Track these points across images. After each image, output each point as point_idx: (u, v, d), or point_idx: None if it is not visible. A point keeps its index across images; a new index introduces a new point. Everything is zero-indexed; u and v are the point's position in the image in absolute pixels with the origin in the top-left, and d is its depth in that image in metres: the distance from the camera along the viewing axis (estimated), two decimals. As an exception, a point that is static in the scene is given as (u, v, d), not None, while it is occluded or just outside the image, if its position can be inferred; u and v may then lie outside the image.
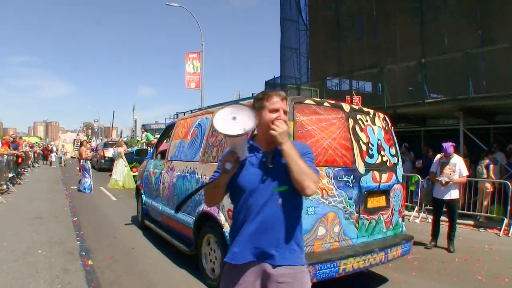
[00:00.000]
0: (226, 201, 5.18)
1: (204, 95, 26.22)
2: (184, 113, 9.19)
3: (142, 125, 54.92)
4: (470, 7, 14.23)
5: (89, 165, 16.12)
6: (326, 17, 20.79)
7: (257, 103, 2.61)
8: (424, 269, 6.95)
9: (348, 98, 14.09)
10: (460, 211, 10.83)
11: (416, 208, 12.32)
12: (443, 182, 8.30)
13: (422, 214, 11.78)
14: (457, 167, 8.31)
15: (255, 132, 2.63)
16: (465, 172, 8.44)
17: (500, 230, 10.30)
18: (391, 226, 5.76)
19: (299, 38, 23.73)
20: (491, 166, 11.28)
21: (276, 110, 2.56)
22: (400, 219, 6.00)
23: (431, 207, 9.11)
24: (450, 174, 8.30)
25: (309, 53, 22.59)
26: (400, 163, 6.24)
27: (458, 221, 9.56)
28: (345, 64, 18.17)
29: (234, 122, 2.31)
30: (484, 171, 11.34)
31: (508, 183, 10.60)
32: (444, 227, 8.71)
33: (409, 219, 11.69)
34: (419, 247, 8.37)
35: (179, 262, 6.63)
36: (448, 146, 8.41)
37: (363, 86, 17.82)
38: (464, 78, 12.52)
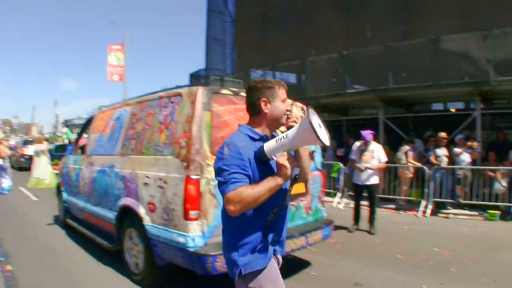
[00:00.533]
0: (145, 193, 5.18)
1: (128, 88, 25.62)
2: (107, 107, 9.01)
3: (64, 121, 52.58)
4: (393, 2, 14.74)
5: (8, 164, 15.25)
6: (252, 8, 20.80)
7: (268, 92, 2.55)
8: (346, 251, 7.22)
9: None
10: (381, 195, 11.39)
11: (339, 194, 12.70)
12: (362, 168, 8.59)
13: (345, 200, 12.18)
14: (376, 153, 8.63)
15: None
16: (384, 159, 8.80)
17: (418, 211, 10.99)
18: (311, 212, 5.90)
19: (225, 29, 23.61)
20: (410, 153, 11.83)
21: (285, 101, 2.59)
22: (320, 205, 6.16)
23: (353, 193, 9.41)
24: (369, 160, 8.61)
25: (235, 44, 22.57)
26: (319, 151, 6.39)
27: (379, 205, 9.98)
28: (271, 56, 18.27)
29: (321, 129, 2.28)
30: (403, 157, 11.86)
31: (425, 168, 11.22)
32: (365, 211, 9.04)
33: (332, 205, 12.13)
34: (342, 231, 8.70)
35: (104, 260, 6.42)
36: (367, 133, 8.70)
37: (287, 77, 18.00)
38: (384, 70, 13.13)
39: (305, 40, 17.32)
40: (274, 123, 2.59)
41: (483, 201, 10.70)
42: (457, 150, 11.22)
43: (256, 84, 2.59)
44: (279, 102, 2.56)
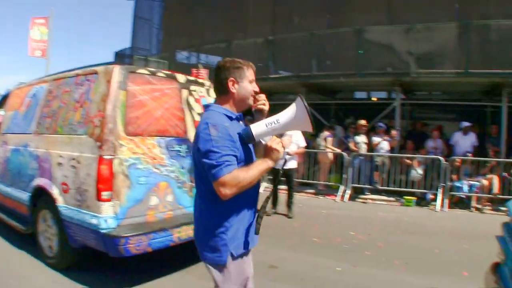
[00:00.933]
0: (59, 173, 4.87)
1: (50, 65, 24.37)
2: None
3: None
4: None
5: None
6: (181, -11, 20.39)
7: (237, 72, 2.52)
8: (264, 234, 7.02)
9: (194, 71, 13.97)
10: (301, 180, 11.48)
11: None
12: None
13: (264, 184, 12.18)
14: (294, 138, 8.59)
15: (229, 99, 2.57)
16: (302, 143, 8.81)
17: (336, 196, 11.19)
18: None
19: (153, 9, 22.90)
20: (329, 139, 11.97)
21: (253, 81, 2.58)
22: None
23: (271, 177, 9.41)
24: (287, 145, 8.58)
25: (162, 24, 22.01)
26: None
27: (299, 190, 10.02)
28: (198, 38, 17.99)
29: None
30: (323, 143, 11.99)
31: (344, 154, 11.40)
32: (284, 195, 9.05)
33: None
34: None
35: (18, 244, 6.03)
36: None
37: (214, 60, 17.77)
38: (309, 57, 13.20)
39: (232, 24, 17.17)
40: (241, 104, 2.58)
41: (400, 187, 11.07)
42: (375, 139, 11.52)
43: (224, 63, 2.55)
44: (247, 83, 2.55)
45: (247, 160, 2.46)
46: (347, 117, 13.42)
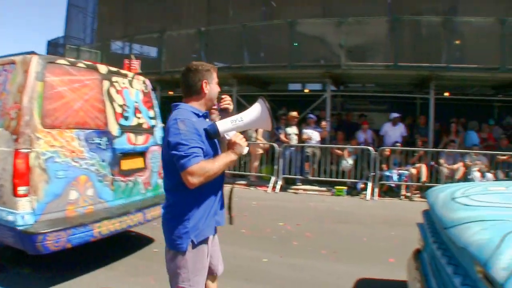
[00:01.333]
0: None
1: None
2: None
3: None
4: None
5: None
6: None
7: (207, 74, 2.81)
8: None
9: (127, 62, 13.71)
10: (232, 172, 11.44)
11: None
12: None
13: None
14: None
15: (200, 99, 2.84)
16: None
17: (268, 187, 11.20)
18: (150, 187, 5.79)
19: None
20: (260, 130, 11.91)
21: (217, 83, 2.90)
22: (159, 180, 6.01)
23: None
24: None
25: (97, 13, 21.40)
26: (160, 125, 6.19)
27: (230, 181, 9.94)
28: (133, 28, 17.58)
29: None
30: (254, 134, 11.98)
31: (275, 145, 11.44)
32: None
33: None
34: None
35: None
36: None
37: (149, 51, 17.45)
38: (241, 49, 13.14)
39: (168, 14, 16.91)
40: (210, 103, 2.87)
41: (331, 177, 11.21)
42: (306, 130, 11.65)
43: (197, 66, 2.80)
44: (214, 84, 2.86)
45: (213, 154, 2.71)
46: (280, 108, 13.46)
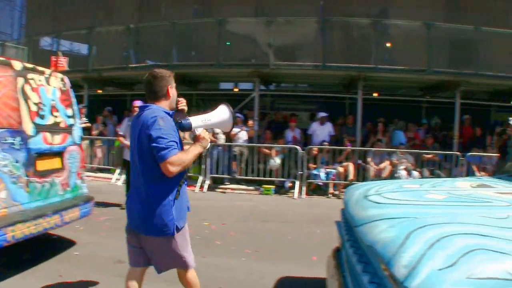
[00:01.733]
0: None
1: None
2: None
3: None
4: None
5: None
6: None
7: (170, 80, 3.22)
8: (114, 228, 6.77)
9: (53, 59, 13.18)
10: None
11: (118, 170, 12.12)
12: (128, 144, 8.27)
13: (124, 176, 11.74)
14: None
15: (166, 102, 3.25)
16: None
17: (196, 187, 11.06)
18: (68, 188, 5.54)
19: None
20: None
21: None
22: (78, 181, 5.81)
23: (124, 169, 9.10)
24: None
25: (25, 7, 20.51)
26: (78, 124, 5.96)
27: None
28: (63, 24, 16.95)
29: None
30: (181, 133, 11.68)
31: (203, 145, 11.25)
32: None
33: (111, 182, 11.75)
34: (114, 208, 8.34)
35: None
36: (138, 103, 8.34)
37: (79, 48, 16.84)
38: (170, 47, 12.90)
39: (98, 10, 16.42)
40: (172, 105, 3.27)
41: (259, 176, 11.16)
42: (234, 130, 11.46)
43: (163, 73, 3.19)
44: (174, 88, 3.25)
45: (179, 147, 3.06)
46: (208, 107, 13.27)
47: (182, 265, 3.31)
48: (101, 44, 14.27)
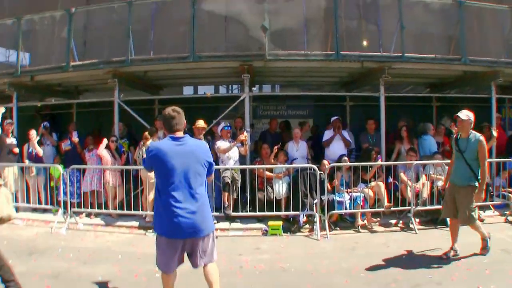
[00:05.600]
0: None
1: None
2: None
3: None
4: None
5: None
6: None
7: None
8: None
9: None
10: (121, 211, 8.04)
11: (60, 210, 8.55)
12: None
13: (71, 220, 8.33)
14: None
15: None
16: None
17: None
18: None
19: None
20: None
21: None
22: None
23: None
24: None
25: None
26: None
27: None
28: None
29: None
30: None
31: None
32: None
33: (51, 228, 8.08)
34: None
35: None
36: None
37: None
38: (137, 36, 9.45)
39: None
40: None
41: (260, 211, 8.14)
42: (220, 145, 8.50)
43: (179, 111, 4.24)
44: None
45: None
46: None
47: (214, 257, 4.23)
48: (34, 38, 10.58)
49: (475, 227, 6.20)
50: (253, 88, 12.04)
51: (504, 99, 11.67)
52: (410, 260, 6.15)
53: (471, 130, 6.12)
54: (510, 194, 8.96)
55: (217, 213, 8.01)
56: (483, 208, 8.77)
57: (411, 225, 8.01)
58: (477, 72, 9.97)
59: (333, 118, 9.49)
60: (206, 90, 12.88)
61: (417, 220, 8.21)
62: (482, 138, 6.06)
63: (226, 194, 8.05)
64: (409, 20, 9.13)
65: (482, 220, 8.22)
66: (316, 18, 9.48)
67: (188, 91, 14.32)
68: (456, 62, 9.42)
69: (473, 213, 6.04)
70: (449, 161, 6.95)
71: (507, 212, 8.76)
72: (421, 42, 9.64)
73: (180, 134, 4.04)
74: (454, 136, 6.46)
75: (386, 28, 9.47)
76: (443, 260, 6.06)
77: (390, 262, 6.05)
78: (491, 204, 8.99)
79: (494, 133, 8.61)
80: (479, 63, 9.55)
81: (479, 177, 5.99)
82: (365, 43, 9.71)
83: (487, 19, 10.10)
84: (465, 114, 6.09)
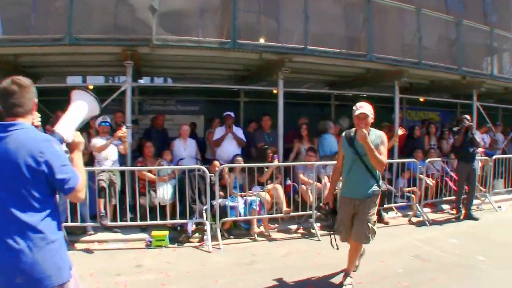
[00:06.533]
0: None
1: None
2: None
3: None
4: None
5: None
6: None
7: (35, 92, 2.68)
8: None
9: None
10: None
11: None
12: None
13: None
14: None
15: None
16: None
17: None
18: None
19: None
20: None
21: None
22: None
23: None
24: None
25: None
26: None
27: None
28: None
29: None
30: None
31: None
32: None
33: None
34: None
35: None
36: None
37: None
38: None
39: None
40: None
41: (141, 220, 7.00)
42: (96, 142, 7.28)
43: (27, 83, 2.55)
44: None
45: None
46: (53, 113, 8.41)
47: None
48: None
49: (358, 250, 5.00)
50: (140, 80, 10.77)
51: (401, 100, 11.47)
52: (316, 276, 5.38)
53: (370, 128, 4.77)
54: (412, 195, 8.83)
55: (92, 223, 6.82)
56: (386, 210, 8.54)
57: (312, 231, 7.44)
58: (381, 70, 9.73)
59: (224, 114, 8.70)
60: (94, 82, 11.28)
61: (318, 224, 7.54)
62: (383, 133, 4.88)
63: (102, 200, 6.77)
64: (315, 13, 8.51)
65: (386, 223, 8.06)
66: (213, 1, 8.52)
67: (75, 82, 12.51)
68: (361, 59, 9.08)
69: (374, 227, 4.72)
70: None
71: (411, 213, 8.66)
72: (325, 36, 9.12)
73: (14, 120, 2.39)
74: (347, 135, 4.93)
75: (289, 19, 8.87)
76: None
77: (296, 280, 5.26)
78: (394, 206, 8.79)
79: (400, 132, 8.18)
80: (384, 61, 9.29)
81: (380, 182, 4.80)
82: (265, 31, 8.92)
83: (393, 18, 9.97)
84: (369, 110, 4.69)
